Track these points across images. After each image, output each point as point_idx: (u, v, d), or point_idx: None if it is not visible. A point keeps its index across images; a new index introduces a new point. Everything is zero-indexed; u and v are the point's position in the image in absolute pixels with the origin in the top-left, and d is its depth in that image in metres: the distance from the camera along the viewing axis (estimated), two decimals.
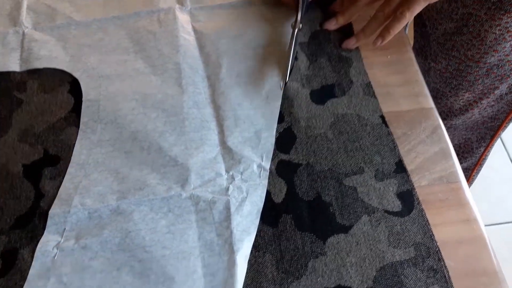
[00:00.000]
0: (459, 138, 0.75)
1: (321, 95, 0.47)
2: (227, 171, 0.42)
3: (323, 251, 0.39)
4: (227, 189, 0.41)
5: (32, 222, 0.40)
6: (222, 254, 0.38)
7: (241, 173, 0.42)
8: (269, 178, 0.41)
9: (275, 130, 0.44)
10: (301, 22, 0.49)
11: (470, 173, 0.81)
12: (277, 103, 0.46)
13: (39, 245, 0.39)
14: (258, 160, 0.42)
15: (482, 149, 0.75)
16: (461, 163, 0.78)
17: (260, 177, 0.41)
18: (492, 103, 0.66)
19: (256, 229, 0.39)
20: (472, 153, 0.77)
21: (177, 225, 0.40)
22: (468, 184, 0.82)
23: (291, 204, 0.41)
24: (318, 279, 0.37)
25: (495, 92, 0.63)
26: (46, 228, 0.39)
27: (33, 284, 0.37)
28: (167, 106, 0.45)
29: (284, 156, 0.43)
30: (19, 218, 0.40)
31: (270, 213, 0.40)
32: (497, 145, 1.39)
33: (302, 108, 0.46)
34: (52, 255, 0.38)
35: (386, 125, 0.45)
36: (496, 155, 1.36)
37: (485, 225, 0.40)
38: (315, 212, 0.40)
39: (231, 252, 0.38)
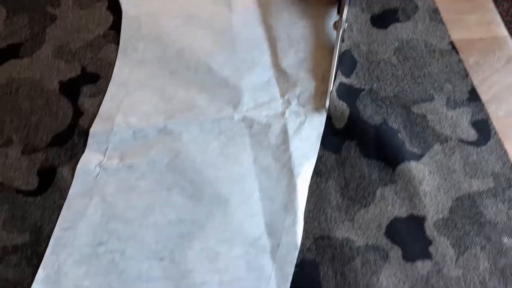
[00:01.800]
0: None
1: (383, 20, 0.43)
2: (282, 95, 0.38)
3: (393, 178, 0.35)
4: (283, 113, 0.37)
5: (71, 140, 0.36)
6: (280, 178, 0.35)
7: (298, 97, 0.38)
8: (329, 101, 0.38)
9: (338, 51, 0.39)
10: (346, 22, 0.41)
11: None
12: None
13: (79, 164, 0.35)
14: (315, 81, 0.39)
15: None
16: None
17: (319, 99, 0.38)
18: None
19: (316, 154, 0.36)
20: None
21: (230, 147, 0.36)
22: None
23: (354, 130, 0.37)
24: (388, 208, 0.34)
25: None
26: (87, 147, 0.36)
27: (74, 202, 0.34)
28: (215, 25, 0.42)
29: (345, 80, 0.39)
30: (57, 135, 0.37)
31: (332, 139, 0.37)
32: None
33: (362, 33, 0.42)
34: (95, 174, 0.35)
35: (457, 52, 0.41)
36: None
37: None
38: (382, 138, 0.36)
39: (291, 177, 0.35)
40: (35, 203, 0.34)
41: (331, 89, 0.38)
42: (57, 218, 0.33)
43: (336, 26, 0.40)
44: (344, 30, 0.40)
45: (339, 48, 0.38)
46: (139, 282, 0.31)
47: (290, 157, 0.35)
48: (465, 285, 0.31)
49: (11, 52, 0.41)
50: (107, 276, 0.31)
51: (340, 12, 0.40)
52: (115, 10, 0.43)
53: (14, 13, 0.43)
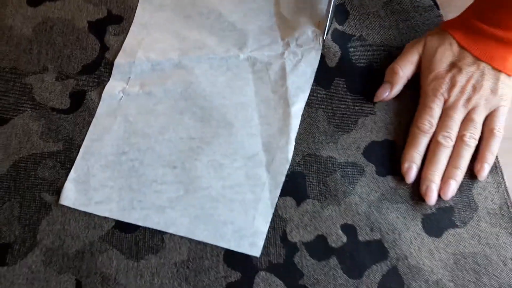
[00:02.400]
0: None
1: None
2: (282, 39, 0.44)
3: (373, 111, 0.41)
4: (283, 53, 0.43)
5: (98, 70, 0.42)
6: (277, 107, 0.40)
7: (296, 39, 0.44)
8: (323, 43, 0.43)
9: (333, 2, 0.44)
10: None
11: None
12: None
13: (105, 89, 0.41)
14: (313, 26, 0.44)
15: None
16: None
17: (314, 41, 0.43)
18: None
19: (310, 88, 0.41)
20: None
21: (235, 81, 0.42)
22: None
23: (344, 69, 0.43)
24: (367, 133, 0.40)
25: None
26: (111, 76, 0.42)
27: (100, 120, 0.40)
28: None
29: (338, 27, 0.45)
30: (86, 65, 0.43)
31: (324, 76, 0.42)
32: None
33: None
34: (118, 98, 0.41)
35: (438, 8, 0.46)
36: None
37: None
38: (367, 78, 0.42)
39: (286, 106, 0.40)
40: (67, 119, 0.40)
41: (326, 32, 0.43)
42: (87, 131, 0.39)
43: None
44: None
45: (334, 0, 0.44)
46: (155, 184, 0.37)
47: (286, 90, 0.41)
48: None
49: None
50: (128, 179, 0.37)
51: None
52: None
53: None
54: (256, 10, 0.45)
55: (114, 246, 0.35)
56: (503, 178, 0.38)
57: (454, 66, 0.40)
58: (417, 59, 0.41)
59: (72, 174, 0.37)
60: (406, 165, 0.38)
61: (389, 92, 0.41)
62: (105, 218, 0.36)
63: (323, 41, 0.43)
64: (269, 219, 0.36)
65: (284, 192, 0.37)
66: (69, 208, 0.36)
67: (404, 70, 0.41)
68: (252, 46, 0.43)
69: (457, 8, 0.45)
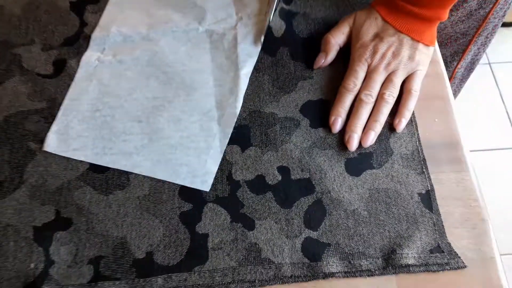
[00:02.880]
0: None
1: None
2: (236, 14, 0.51)
3: (311, 75, 0.48)
4: (236, 25, 0.50)
5: (78, 42, 0.49)
6: (229, 71, 0.48)
7: (248, 15, 0.51)
8: (271, 18, 0.50)
9: None
10: None
11: None
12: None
13: (83, 58, 0.48)
14: (261, 5, 0.51)
15: (455, 63, 0.82)
16: None
17: (263, 16, 0.50)
18: (463, 18, 0.70)
19: (257, 55, 0.48)
20: (447, 67, 0.84)
21: (195, 50, 0.49)
22: None
23: (288, 40, 0.50)
24: (305, 94, 0.47)
25: (464, 5, 0.67)
26: (89, 47, 0.49)
27: (79, 83, 0.47)
28: None
29: (285, 6, 0.52)
30: (67, 39, 0.50)
31: (270, 46, 0.49)
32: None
33: None
34: (94, 65, 0.48)
35: None
36: None
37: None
38: (308, 48, 0.49)
39: (236, 70, 0.48)
40: (50, 83, 0.47)
41: (273, 10, 0.50)
42: (67, 92, 0.46)
43: None
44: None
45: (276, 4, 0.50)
46: (123, 135, 0.44)
47: (237, 57, 0.48)
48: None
49: None
50: (101, 130, 0.44)
51: None
52: None
53: None
54: None
55: (88, 183, 0.42)
56: (416, 130, 0.46)
57: (378, 36, 0.47)
58: (348, 31, 0.48)
59: (54, 127, 0.44)
60: (332, 118, 0.45)
61: (324, 59, 0.48)
62: (80, 161, 0.43)
63: (271, 17, 0.50)
64: (218, 162, 0.43)
65: (231, 141, 0.44)
66: (51, 154, 0.43)
67: (336, 39, 0.48)
68: (210, 20, 0.51)
69: None
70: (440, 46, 0.77)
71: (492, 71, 1.53)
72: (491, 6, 0.68)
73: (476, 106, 1.44)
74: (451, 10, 0.68)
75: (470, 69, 0.86)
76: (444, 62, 0.82)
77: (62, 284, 0.38)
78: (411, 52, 0.47)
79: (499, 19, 0.74)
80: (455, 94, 0.94)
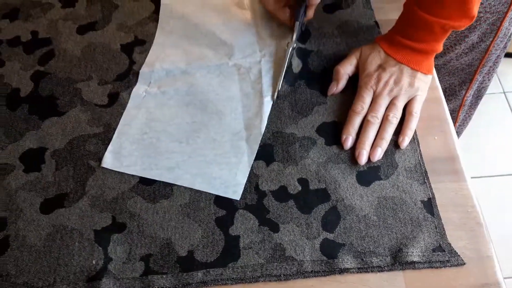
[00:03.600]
0: (444, 83, 0.87)
1: (332, 7, 0.64)
2: (260, 51, 0.60)
3: (325, 101, 0.56)
4: (260, 61, 0.59)
5: (128, 77, 0.59)
6: (254, 99, 0.56)
7: (270, 53, 0.60)
8: (291, 56, 0.58)
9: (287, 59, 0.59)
10: (295, 43, 0.58)
11: (457, 114, 0.94)
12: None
13: (133, 90, 0.57)
14: (283, 45, 0.60)
15: (464, 92, 0.88)
16: (447, 104, 0.89)
17: (285, 56, 0.58)
18: (466, 51, 0.76)
19: (278, 86, 0.56)
20: (456, 96, 0.90)
21: (226, 81, 0.58)
22: (455, 125, 0.94)
23: (304, 73, 0.58)
24: (320, 117, 0.55)
25: (466, 40, 0.74)
26: (137, 82, 0.58)
27: (129, 111, 0.56)
28: (219, 9, 0.64)
29: (301, 45, 0.60)
30: (119, 75, 0.59)
31: (290, 78, 0.58)
32: None
33: (316, 16, 0.63)
34: (142, 96, 0.57)
35: (378, 27, 0.61)
36: None
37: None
38: (321, 79, 0.57)
39: (261, 97, 0.56)
40: (106, 112, 0.56)
41: (291, 50, 0.58)
42: (120, 119, 0.55)
43: (288, 45, 0.58)
44: (293, 48, 0.58)
45: (288, 61, 0.57)
46: (167, 153, 0.52)
47: (261, 87, 0.56)
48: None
49: (91, 26, 0.63)
50: (148, 150, 0.53)
51: (292, 33, 0.59)
52: (156, 1, 0.65)
53: (91, 3, 0.66)
54: (242, 31, 0.61)
55: (138, 194, 0.50)
56: (418, 146, 0.52)
57: (381, 67, 0.54)
58: (355, 62, 0.56)
59: (109, 147, 0.53)
60: (344, 136, 0.52)
61: (336, 87, 0.56)
62: (132, 176, 0.51)
63: (290, 57, 0.58)
64: (246, 174, 0.50)
65: (257, 157, 0.52)
66: (108, 169, 0.51)
67: (345, 69, 0.56)
68: (238, 56, 0.60)
69: (391, 27, 0.61)
70: (448, 75, 0.84)
71: (507, 99, 1.58)
72: (491, 39, 0.75)
73: (492, 133, 1.48)
74: (455, 44, 0.76)
75: (477, 96, 0.92)
76: (453, 91, 0.89)
77: (118, 277, 0.45)
78: (410, 80, 0.54)
79: (500, 50, 0.80)
80: (466, 120, 0.99)
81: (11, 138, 0.54)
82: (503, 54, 0.84)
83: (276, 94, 0.56)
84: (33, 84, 0.58)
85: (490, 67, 0.84)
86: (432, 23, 0.51)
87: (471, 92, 0.88)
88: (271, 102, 0.56)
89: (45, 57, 0.61)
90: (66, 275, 0.45)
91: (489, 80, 0.89)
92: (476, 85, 0.88)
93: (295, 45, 0.59)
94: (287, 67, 0.58)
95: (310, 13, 0.60)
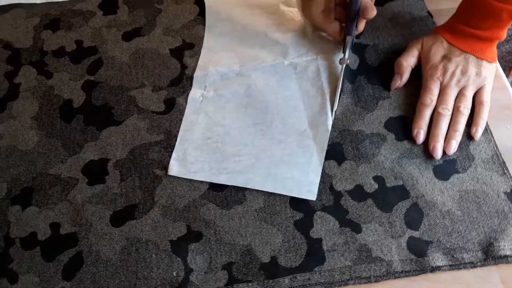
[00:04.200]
0: None
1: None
2: (314, 49, 0.58)
3: (389, 95, 0.54)
4: (316, 58, 0.57)
5: (182, 82, 0.57)
6: (316, 96, 0.54)
7: (326, 51, 0.58)
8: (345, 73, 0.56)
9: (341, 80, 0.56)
10: (348, 58, 0.55)
11: None
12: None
13: (189, 95, 0.56)
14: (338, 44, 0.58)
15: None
16: None
17: (339, 73, 0.56)
18: (508, 38, 0.77)
19: (340, 83, 0.55)
20: None
21: (283, 80, 0.56)
22: None
23: (363, 69, 0.57)
24: (386, 112, 0.53)
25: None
26: (192, 86, 0.57)
27: (189, 117, 0.54)
28: (267, 9, 0.62)
29: (355, 40, 0.59)
30: (173, 80, 0.57)
31: (349, 75, 0.56)
32: None
33: None
34: (200, 101, 0.55)
35: (431, 17, 0.60)
36: None
37: None
38: (381, 73, 0.56)
39: (322, 94, 0.54)
40: (164, 118, 0.54)
41: (348, 48, 0.56)
42: (180, 125, 0.53)
43: (341, 61, 0.55)
44: (346, 65, 0.55)
45: (342, 77, 0.54)
46: (233, 157, 0.51)
47: (322, 84, 0.55)
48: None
49: (136, 32, 0.62)
50: (214, 155, 0.51)
51: (343, 52, 0.56)
52: (199, 2, 0.64)
53: (133, 8, 0.64)
54: (294, 30, 0.60)
55: (210, 201, 0.48)
56: (492, 136, 0.51)
57: (445, 57, 0.53)
58: (417, 54, 0.55)
59: (174, 154, 0.51)
60: (415, 130, 0.51)
61: (400, 81, 0.54)
62: (201, 182, 0.49)
63: (344, 74, 0.55)
64: (319, 173, 0.49)
65: (327, 157, 0.50)
66: (175, 177, 0.50)
67: (408, 61, 0.54)
68: (293, 54, 0.58)
69: (444, 17, 0.59)
70: None
71: None
72: None
73: None
74: None
75: None
76: None
77: (202, 287, 0.43)
78: (477, 69, 0.52)
79: None
80: None
81: (70, 150, 0.52)
82: None
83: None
84: (85, 94, 0.57)
85: None
86: (500, 10, 0.50)
87: (510, 79, 0.87)
88: (333, 98, 0.54)
89: (94, 66, 0.59)
90: None
91: None
92: None
93: (348, 61, 0.56)
94: (342, 84, 0.55)
95: (361, 27, 0.56)
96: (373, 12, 0.52)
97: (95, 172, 0.51)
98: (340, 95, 0.54)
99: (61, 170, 0.51)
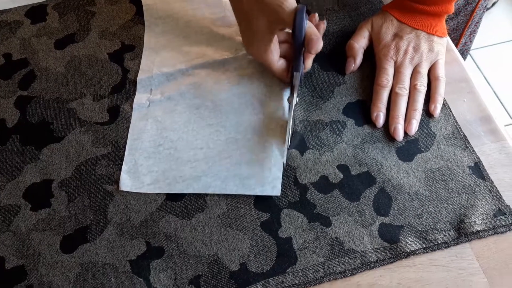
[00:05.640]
0: None
1: None
2: None
3: (344, 81, 0.52)
4: None
5: (125, 88, 0.53)
6: (270, 89, 0.52)
7: None
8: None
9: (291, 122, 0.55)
10: (297, 97, 0.50)
11: None
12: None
13: (134, 101, 0.52)
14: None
15: None
16: None
17: (289, 113, 0.52)
18: (452, 16, 0.75)
19: (291, 123, 0.49)
20: None
21: (234, 76, 0.53)
22: None
23: (317, 56, 0.53)
24: (343, 98, 0.51)
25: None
26: (137, 90, 0.53)
27: (136, 124, 0.50)
28: (209, 2, 0.59)
29: None
30: (114, 86, 0.53)
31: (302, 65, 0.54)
32: None
33: None
34: (146, 105, 0.51)
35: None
36: None
37: None
38: (333, 58, 0.54)
39: (277, 85, 0.52)
40: (110, 128, 0.50)
41: (288, 143, 0.48)
42: (127, 134, 0.49)
43: (289, 100, 0.50)
44: (296, 104, 0.50)
45: (292, 121, 0.48)
46: (189, 162, 0.47)
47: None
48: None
49: (69, 39, 0.57)
50: (167, 162, 0.48)
51: (291, 90, 0.50)
52: (135, 1, 0.60)
53: (64, 14, 0.59)
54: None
55: (169, 212, 0.45)
56: (451, 111, 0.50)
57: (397, 36, 0.52)
58: (368, 34, 0.53)
59: (124, 167, 0.47)
60: (375, 113, 0.49)
61: (354, 64, 0.53)
62: (157, 194, 0.46)
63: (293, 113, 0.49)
64: (281, 167, 0.46)
65: (289, 147, 0.48)
66: (128, 192, 0.46)
67: (359, 43, 0.53)
68: (241, 48, 0.55)
69: None
70: None
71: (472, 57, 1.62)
72: (476, 1, 0.74)
73: None
74: None
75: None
76: None
77: None
78: (429, 45, 0.52)
79: (483, 10, 0.80)
80: None
81: (8, 175, 0.47)
82: (484, 13, 0.85)
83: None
84: (19, 111, 0.51)
85: (473, 28, 0.84)
86: None
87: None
88: (299, 76, 0.50)
89: (26, 80, 0.54)
90: None
91: (471, 41, 0.89)
92: (459, 48, 0.88)
93: (297, 100, 0.50)
94: (292, 125, 0.49)
95: (308, 63, 0.51)
96: (318, 45, 0.46)
97: (39, 195, 0.46)
98: (291, 135, 0.49)
99: (0, 198, 0.46)
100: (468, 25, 0.79)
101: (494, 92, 1.50)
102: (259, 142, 0.49)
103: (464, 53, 0.90)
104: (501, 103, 1.48)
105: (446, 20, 0.77)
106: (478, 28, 0.86)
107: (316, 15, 0.52)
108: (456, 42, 0.83)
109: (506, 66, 1.56)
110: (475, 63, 1.59)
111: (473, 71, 1.57)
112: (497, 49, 1.60)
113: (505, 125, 1.43)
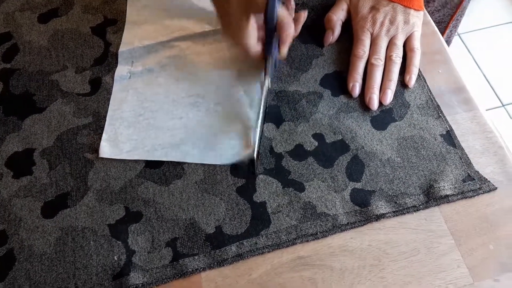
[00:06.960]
0: None
1: None
2: None
3: (322, 53, 0.53)
4: None
5: (107, 60, 0.54)
6: (250, 72, 0.53)
7: None
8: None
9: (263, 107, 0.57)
10: (269, 82, 0.49)
11: None
12: None
13: (116, 73, 0.53)
14: None
15: None
16: None
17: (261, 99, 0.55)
18: (439, 8, 0.75)
19: (262, 108, 0.49)
20: None
21: (214, 49, 0.54)
22: None
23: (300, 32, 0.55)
24: (320, 69, 0.52)
25: None
26: (118, 63, 0.53)
27: (117, 95, 0.51)
28: None
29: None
30: (96, 59, 0.54)
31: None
32: None
33: None
34: (127, 77, 0.52)
35: None
36: None
37: None
38: (313, 30, 0.55)
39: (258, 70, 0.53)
40: (91, 99, 0.51)
41: (260, 133, 0.47)
42: (108, 105, 0.50)
43: (262, 85, 0.50)
44: (268, 88, 0.49)
45: (264, 102, 0.48)
46: (168, 131, 0.49)
47: None
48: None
49: (52, 13, 0.58)
50: (147, 131, 0.49)
51: (264, 74, 0.50)
52: None
53: None
54: None
55: (148, 179, 0.46)
56: (425, 82, 0.51)
57: (374, 8, 0.53)
58: (346, 7, 0.54)
59: (104, 136, 0.48)
60: (351, 84, 0.50)
61: (332, 36, 0.53)
62: (136, 161, 0.47)
63: (266, 98, 0.49)
64: (257, 138, 0.47)
65: (266, 120, 0.49)
66: (108, 159, 0.47)
67: (338, 15, 0.53)
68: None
69: None
70: None
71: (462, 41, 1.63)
72: None
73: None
74: (428, 2, 0.75)
75: None
76: None
77: (147, 268, 0.41)
78: (405, 17, 0.52)
79: (468, 1, 0.81)
80: None
81: None
82: (468, 4, 0.85)
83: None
84: (2, 83, 0.52)
85: (457, 19, 0.84)
86: None
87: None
88: (271, 60, 0.52)
89: (9, 53, 0.55)
90: (88, 277, 0.41)
91: (455, 32, 0.90)
92: (444, 39, 0.88)
93: (269, 85, 0.50)
94: (265, 110, 0.49)
95: (283, 51, 0.49)
96: (289, 29, 0.46)
97: (21, 164, 0.47)
98: (263, 121, 0.48)
99: None
100: (454, 17, 0.79)
101: (484, 75, 1.51)
102: (238, 113, 0.50)
103: (447, 43, 0.90)
104: (491, 86, 1.49)
105: (432, 12, 0.78)
106: (461, 19, 0.86)
107: (292, 1, 0.53)
108: (441, 34, 0.83)
109: (496, 50, 1.57)
110: (466, 46, 1.60)
111: (464, 55, 1.58)
112: (487, 33, 1.61)
113: (494, 108, 1.45)
